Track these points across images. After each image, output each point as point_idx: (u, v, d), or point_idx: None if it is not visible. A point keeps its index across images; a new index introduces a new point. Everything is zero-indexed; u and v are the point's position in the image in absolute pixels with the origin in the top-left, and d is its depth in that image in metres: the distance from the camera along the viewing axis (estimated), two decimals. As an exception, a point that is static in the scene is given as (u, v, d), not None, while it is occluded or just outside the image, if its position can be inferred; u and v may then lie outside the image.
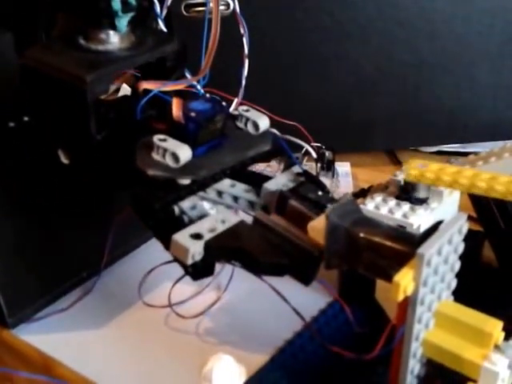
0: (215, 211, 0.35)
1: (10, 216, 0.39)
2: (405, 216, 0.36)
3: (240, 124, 0.37)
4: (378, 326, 0.27)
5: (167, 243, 0.32)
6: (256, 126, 0.37)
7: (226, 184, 0.36)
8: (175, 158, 0.32)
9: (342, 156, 0.59)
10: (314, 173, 0.55)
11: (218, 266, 0.43)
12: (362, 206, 0.36)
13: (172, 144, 0.32)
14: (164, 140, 0.32)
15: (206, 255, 0.31)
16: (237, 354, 0.36)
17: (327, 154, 0.56)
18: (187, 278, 0.43)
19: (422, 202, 0.37)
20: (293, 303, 0.38)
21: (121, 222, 0.42)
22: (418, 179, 0.36)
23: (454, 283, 0.26)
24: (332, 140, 0.57)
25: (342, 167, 0.58)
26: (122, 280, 0.45)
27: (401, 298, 0.23)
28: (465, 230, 0.25)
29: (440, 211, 0.38)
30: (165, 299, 0.41)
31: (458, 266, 0.26)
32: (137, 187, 0.34)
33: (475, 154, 0.43)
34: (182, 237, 0.31)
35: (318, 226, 0.29)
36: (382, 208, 0.37)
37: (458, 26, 0.56)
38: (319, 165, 0.55)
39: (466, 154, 0.60)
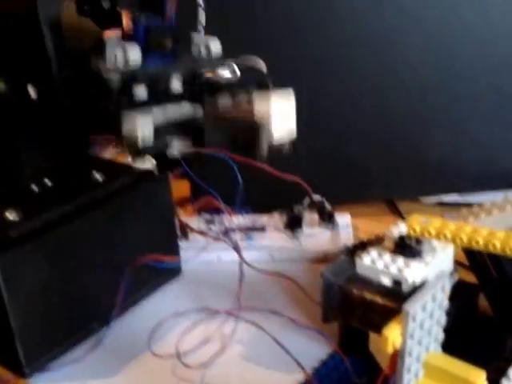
0: None
1: (32, 270, 0.42)
2: (400, 270, 0.39)
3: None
4: (375, 377, 0.30)
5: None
6: (208, 49, 0.42)
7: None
8: (126, 58, 0.36)
9: (343, 207, 0.62)
10: (316, 226, 0.59)
11: (221, 318, 0.47)
12: (358, 261, 0.40)
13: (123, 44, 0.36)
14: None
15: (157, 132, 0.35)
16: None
17: (327, 206, 0.60)
18: (194, 330, 0.46)
19: (417, 256, 0.41)
20: (295, 354, 0.41)
21: (130, 277, 0.46)
22: (421, 234, 0.40)
23: (441, 335, 0.30)
24: (332, 192, 0.61)
25: (343, 218, 0.61)
26: (131, 330, 0.48)
27: (390, 350, 0.26)
28: (448, 288, 0.29)
29: (434, 265, 0.41)
30: (172, 349, 0.45)
31: (443, 320, 0.29)
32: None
33: (479, 205, 0.47)
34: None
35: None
36: (377, 263, 0.40)
37: (453, 83, 0.61)
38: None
39: (465, 205, 0.65)
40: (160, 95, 0.41)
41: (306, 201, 0.60)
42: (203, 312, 0.48)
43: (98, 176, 0.45)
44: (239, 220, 0.61)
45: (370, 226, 0.61)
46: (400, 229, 0.43)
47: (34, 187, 0.42)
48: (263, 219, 0.61)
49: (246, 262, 0.51)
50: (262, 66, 0.43)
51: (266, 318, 0.46)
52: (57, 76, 0.40)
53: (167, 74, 0.40)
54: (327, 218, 0.60)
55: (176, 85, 0.41)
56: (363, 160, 0.63)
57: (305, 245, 0.58)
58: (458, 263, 0.44)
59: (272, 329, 0.45)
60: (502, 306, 0.42)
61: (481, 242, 0.37)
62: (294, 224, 0.59)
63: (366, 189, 0.65)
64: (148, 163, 0.57)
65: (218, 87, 0.41)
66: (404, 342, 0.27)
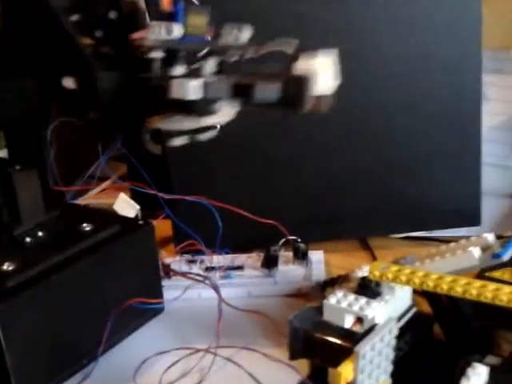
0: None
1: (27, 316, 0.46)
2: (361, 309, 0.44)
3: None
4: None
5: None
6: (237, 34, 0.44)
7: None
8: (168, 30, 0.39)
9: (317, 244, 0.67)
10: (290, 263, 0.64)
11: (200, 355, 0.52)
12: (325, 301, 0.45)
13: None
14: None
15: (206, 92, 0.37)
16: None
17: (301, 246, 0.65)
18: (175, 365, 0.51)
19: (377, 295, 0.46)
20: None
21: (116, 318, 0.50)
22: (380, 278, 0.45)
23: (389, 368, 0.34)
24: (306, 232, 0.67)
25: (316, 255, 0.66)
26: (116, 365, 0.52)
27: (343, 383, 0.31)
28: (395, 331, 0.34)
29: (393, 303, 0.46)
30: (155, 382, 0.49)
31: (391, 356, 0.34)
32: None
33: (437, 247, 0.52)
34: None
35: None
36: (342, 302, 0.45)
37: (417, 126, 0.67)
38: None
39: (431, 239, 0.70)
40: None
41: (282, 241, 0.65)
42: (183, 349, 0.53)
43: (86, 227, 0.50)
44: (219, 260, 0.65)
45: (343, 262, 0.67)
46: (362, 271, 0.48)
47: (28, 239, 0.47)
48: (242, 259, 0.66)
49: (224, 301, 0.56)
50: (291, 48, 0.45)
51: (241, 353, 0.51)
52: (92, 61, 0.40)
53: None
54: (301, 256, 0.64)
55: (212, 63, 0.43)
56: (336, 202, 0.69)
57: (280, 281, 0.63)
58: (418, 293, 0.49)
59: (246, 363, 0.49)
60: (454, 332, 0.47)
61: (431, 285, 0.43)
62: (270, 262, 0.64)
63: (339, 228, 0.70)
64: (132, 211, 0.62)
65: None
66: (355, 377, 0.32)
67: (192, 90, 0.38)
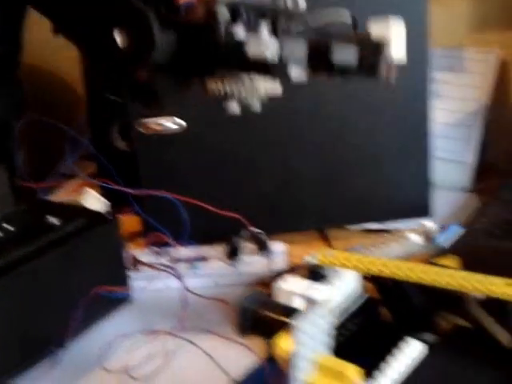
0: None
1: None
2: (308, 291, 0.48)
3: None
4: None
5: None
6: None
7: None
8: None
9: (278, 236, 0.71)
10: (253, 254, 0.68)
11: (164, 338, 0.55)
12: (277, 286, 0.49)
13: None
14: None
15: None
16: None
17: (263, 237, 0.69)
18: (140, 348, 0.54)
19: (324, 278, 0.50)
20: (225, 366, 0.49)
21: (84, 306, 0.54)
22: (326, 264, 0.49)
23: (328, 342, 0.38)
24: (268, 224, 0.70)
25: (277, 246, 0.69)
26: (84, 351, 0.56)
27: (282, 353, 0.35)
28: (330, 306, 0.38)
29: (340, 287, 0.51)
30: (120, 365, 0.53)
31: (331, 331, 0.38)
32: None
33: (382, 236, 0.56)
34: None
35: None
36: (290, 285, 0.49)
37: (368, 131, 0.72)
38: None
39: (386, 231, 0.74)
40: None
41: (244, 232, 0.69)
42: (148, 333, 0.56)
43: (54, 220, 0.53)
44: (185, 252, 0.69)
45: (303, 252, 0.70)
46: (313, 259, 0.52)
47: (-2, 232, 0.50)
48: (207, 250, 0.70)
49: (188, 289, 0.59)
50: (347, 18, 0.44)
51: (203, 337, 0.55)
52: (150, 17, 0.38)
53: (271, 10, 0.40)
54: (263, 247, 0.68)
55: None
56: (295, 196, 0.73)
57: (243, 271, 0.67)
58: (367, 279, 0.53)
59: (206, 346, 0.53)
60: (399, 314, 0.51)
61: (375, 270, 0.47)
62: (233, 253, 0.68)
63: (299, 220, 0.74)
64: (101, 206, 0.66)
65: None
66: (294, 348, 0.35)
67: (271, 47, 0.37)
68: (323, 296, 0.47)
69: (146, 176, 0.69)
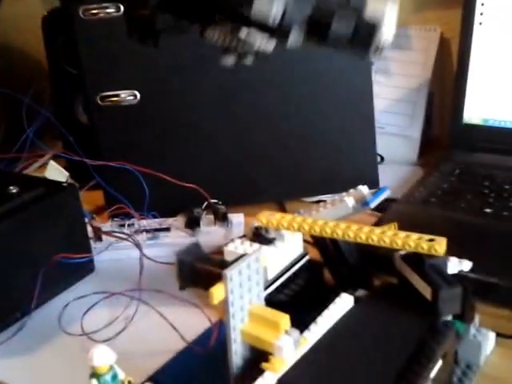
0: None
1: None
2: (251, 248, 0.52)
3: None
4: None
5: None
6: None
7: None
8: None
9: (238, 208, 0.75)
10: (212, 225, 0.72)
11: (124, 302, 0.59)
12: (227, 249, 0.52)
13: None
14: None
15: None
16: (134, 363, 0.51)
17: (221, 208, 0.72)
18: (99, 311, 0.58)
19: (269, 242, 0.53)
20: (178, 326, 0.53)
21: (47, 273, 0.57)
22: (267, 225, 0.53)
23: (262, 294, 0.42)
24: (227, 196, 0.74)
25: (236, 218, 0.73)
26: (48, 317, 0.59)
27: (215, 302, 0.39)
28: (261, 259, 0.41)
29: (284, 248, 0.54)
30: (80, 328, 0.56)
31: (262, 282, 0.42)
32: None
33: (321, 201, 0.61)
34: None
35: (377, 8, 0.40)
36: (239, 248, 0.53)
37: (317, 107, 0.75)
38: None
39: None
40: None
41: (204, 204, 0.72)
42: (107, 296, 0.60)
43: (12, 189, 0.56)
44: (148, 223, 0.72)
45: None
46: (258, 222, 0.56)
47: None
48: (168, 221, 0.73)
49: (146, 256, 0.63)
50: None
51: (159, 299, 0.58)
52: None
53: None
54: (221, 218, 0.72)
55: None
56: (254, 169, 0.77)
57: (202, 241, 0.69)
58: (310, 243, 0.57)
59: (163, 307, 0.57)
60: (338, 274, 0.55)
61: (317, 229, 0.51)
62: (192, 224, 0.71)
63: (258, 193, 0.78)
64: (63, 178, 0.69)
65: None
66: (226, 297, 0.39)
67: (275, 9, 0.37)
68: (267, 257, 0.51)
69: (107, 148, 0.73)
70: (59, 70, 0.82)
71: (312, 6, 0.41)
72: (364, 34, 0.41)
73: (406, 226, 0.52)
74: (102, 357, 0.39)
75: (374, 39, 0.41)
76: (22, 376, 0.53)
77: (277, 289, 0.53)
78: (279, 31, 0.40)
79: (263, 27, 0.40)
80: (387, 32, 0.42)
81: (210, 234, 0.71)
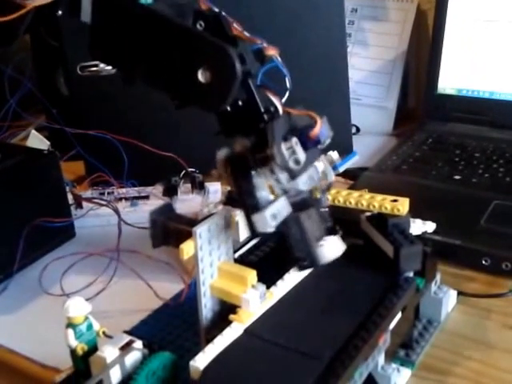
0: None
1: None
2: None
3: None
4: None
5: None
6: None
7: None
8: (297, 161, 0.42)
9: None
10: (189, 193, 0.74)
11: (103, 264, 0.62)
12: (199, 213, 0.55)
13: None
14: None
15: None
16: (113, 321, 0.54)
17: (198, 176, 0.75)
18: (79, 271, 0.61)
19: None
20: (154, 286, 0.56)
21: (30, 237, 0.60)
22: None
23: (230, 251, 0.45)
24: (204, 165, 0.76)
25: (213, 186, 0.76)
26: (30, 280, 0.62)
27: (185, 257, 0.41)
28: (229, 218, 0.44)
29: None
30: (62, 289, 0.59)
31: (230, 240, 0.45)
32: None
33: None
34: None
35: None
36: (212, 212, 0.55)
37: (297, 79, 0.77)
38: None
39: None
40: None
41: (182, 173, 0.75)
42: (86, 256, 0.63)
43: (-5, 156, 0.58)
44: (127, 191, 0.75)
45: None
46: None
47: None
48: (147, 190, 0.76)
49: (124, 221, 0.66)
50: None
51: (137, 260, 0.61)
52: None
53: None
54: (198, 186, 0.75)
55: None
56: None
57: (180, 208, 0.72)
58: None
59: (140, 268, 0.60)
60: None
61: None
62: (170, 191, 0.74)
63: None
64: (43, 145, 0.71)
65: None
66: (196, 253, 0.42)
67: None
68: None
69: (87, 118, 0.75)
70: (40, 41, 0.83)
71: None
72: None
73: (377, 192, 0.55)
74: (77, 307, 0.42)
75: None
76: (5, 335, 0.56)
77: (248, 250, 0.56)
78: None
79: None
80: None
81: (187, 201, 0.74)
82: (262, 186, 0.42)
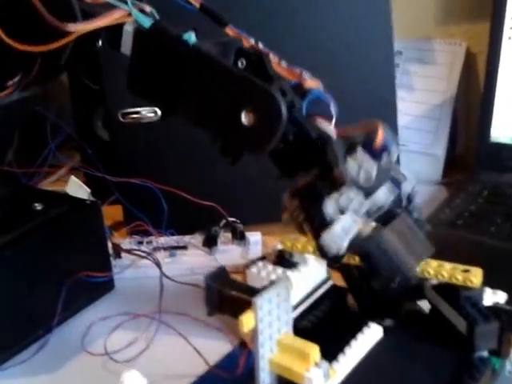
0: None
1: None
2: (278, 278, 0.53)
3: None
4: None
5: None
6: None
7: None
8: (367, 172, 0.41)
9: (255, 227, 0.76)
10: (229, 243, 0.73)
11: (145, 323, 0.60)
12: (247, 271, 0.53)
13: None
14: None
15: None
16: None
17: (239, 226, 0.73)
18: (121, 332, 0.59)
19: (292, 266, 0.55)
20: (201, 350, 0.54)
21: (69, 291, 0.58)
22: (291, 248, 0.54)
23: (290, 322, 0.43)
24: (245, 214, 0.75)
25: (253, 236, 0.73)
26: (70, 335, 0.61)
27: (245, 330, 0.40)
28: (290, 288, 0.42)
29: (307, 272, 0.55)
30: (102, 349, 0.57)
31: (290, 310, 0.43)
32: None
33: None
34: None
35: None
36: (261, 272, 0.54)
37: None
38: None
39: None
40: None
41: (222, 222, 0.74)
42: (128, 317, 0.61)
43: (37, 206, 0.57)
44: (165, 240, 0.74)
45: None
46: (280, 245, 0.57)
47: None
48: (186, 239, 0.74)
49: (166, 275, 0.64)
50: None
51: (180, 320, 0.59)
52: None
53: None
54: (239, 237, 0.73)
55: None
56: (271, 187, 0.77)
57: (220, 259, 0.71)
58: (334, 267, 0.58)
59: (184, 329, 0.57)
60: (364, 301, 0.56)
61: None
62: (210, 242, 0.72)
63: (276, 211, 0.79)
64: (84, 194, 0.70)
65: None
66: (256, 325, 0.40)
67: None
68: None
69: (126, 165, 0.74)
70: (79, 83, 0.83)
71: None
72: None
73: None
74: (133, 382, 0.40)
75: None
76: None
77: (301, 315, 0.54)
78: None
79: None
80: None
81: (227, 252, 0.72)
82: (336, 210, 0.40)
